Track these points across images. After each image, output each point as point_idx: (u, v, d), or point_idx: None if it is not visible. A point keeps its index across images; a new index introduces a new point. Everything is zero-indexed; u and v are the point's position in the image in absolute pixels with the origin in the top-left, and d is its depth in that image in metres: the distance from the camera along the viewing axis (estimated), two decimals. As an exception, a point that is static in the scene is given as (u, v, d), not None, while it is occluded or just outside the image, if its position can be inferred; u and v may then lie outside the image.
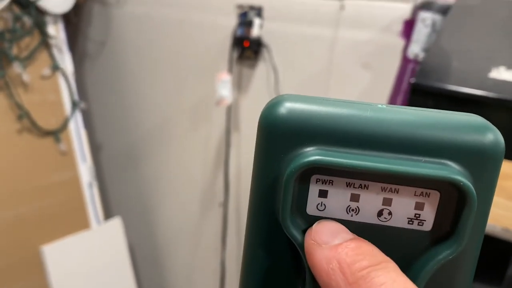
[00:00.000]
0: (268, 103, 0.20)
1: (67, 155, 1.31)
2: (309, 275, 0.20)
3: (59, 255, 1.25)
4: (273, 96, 1.19)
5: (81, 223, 1.32)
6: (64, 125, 1.30)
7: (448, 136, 0.19)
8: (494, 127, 0.19)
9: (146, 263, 1.62)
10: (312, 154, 0.19)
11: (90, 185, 1.35)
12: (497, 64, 0.76)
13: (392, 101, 0.94)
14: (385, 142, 0.19)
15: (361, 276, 0.17)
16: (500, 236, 0.70)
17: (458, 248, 0.19)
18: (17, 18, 1.18)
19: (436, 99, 0.77)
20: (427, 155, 0.19)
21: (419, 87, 0.76)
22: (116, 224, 1.37)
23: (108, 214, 1.52)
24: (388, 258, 0.18)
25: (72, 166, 1.31)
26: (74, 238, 1.28)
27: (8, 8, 1.16)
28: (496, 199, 0.73)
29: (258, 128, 0.20)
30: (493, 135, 0.19)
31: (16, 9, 1.18)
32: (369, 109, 0.19)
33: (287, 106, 0.19)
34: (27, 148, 1.23)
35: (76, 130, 1.33)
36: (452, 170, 0.18)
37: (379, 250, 0.18)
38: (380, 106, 0.20)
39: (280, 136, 0.19)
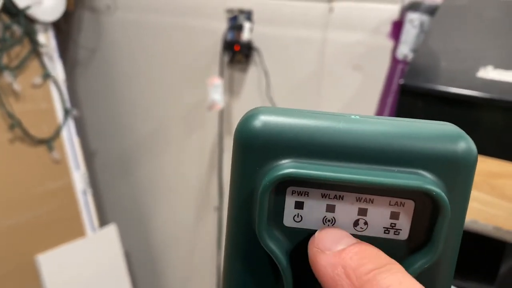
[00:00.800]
0: (243, 116, 0.21)
1: (61, 163, 1.30)
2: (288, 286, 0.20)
3: (55, 264, 1.25)
4: (265, 99, 1.20)
5: (76, 231, 1.32)
6: (57, 133, 1.29)
7: (421, 146, 0.19)
8: (467, 136, 0.20)
9: (142, 269, 1.62)
10: (287, 166, 0.19)
11: (84, 193, 1.35)
12: (484, 63, 0.76)
13: (383, 102, 0.94)
14: (359, 153, 0.19)
15: (367, 280, 0.17)
16: (492, 234, 0.71)
17: (434, 257, 0.19)
18: (6, 27, 1.18)
19: (425, 99, 0.77)
20: (400, 165, 0.19)
21: (408, 88, 0.77)
22: (111, 231, 1.37)
23: (103, 221, 1.52)
24: (393, 260, 0.18)
25: (65, 174, 1.31)
26: (69, 246, 1.27)
27: (-3, 17, 1.15)
28: (487, 197, 0.73)
29: (233, 142, 0.20)
30: (465, 144, 0.19)
31: (5, 18, 1.18)
32: (342, 121, 0.19)
33: (262, 119, 0.20)
34: (20, 157, 1.22)
35: (69, 137, 1.33)
36: (425, 180, 0.18)
37: (383, 253, 0.18)
38: (353, 117, 0.20)
39: (254, 149, 0.19)
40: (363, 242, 0.19)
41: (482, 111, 0.73)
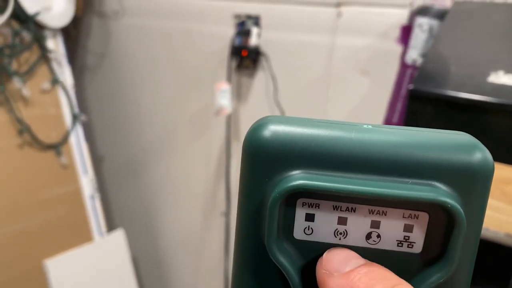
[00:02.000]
0: (252, 125, 0.20)
1: (69, 168, 1.31)
2: None
3: (62, 269, 1.25)
4: (273, 104, 1.19)
5: (83, 236, 1.32)
6: (65, 139, 1.30)
7: (435, 157, 0.18)
8: (483, 146, 0.19)
9: (150, 274, 1.61)
10: (297, 178, 0.18)
11: (92, 198, 1.35)
12: (495, 68, 0.75)
13: (392, 107, 0.93)
14: (371, 164, 0.18)
15: None
16: (504, 242, 0.69)
17: (449, 271, 0.18)
18: (16, 33, 1.18)
19: (435, 104, 0.76)
20: (414, 176, 0.18)
21: (417, 93, 0.76)
22: (119, 236, 1.37)
23: (110, 226, 1.52)
24: (402, 280, 0.17)
25: (73, 179, 1.32)
26: (77, 251, 1.28)
27: (7, 23, 1.16)
28: (499, 204, 0.72)
29: (242, 152, 0.20)
30: (481, 154, 0.19)
31: (15, 24, 1.19)
32: (354, 130, 0.19)
33: (271, 129, 0.19)
34: (29, 162, 1.23)
35: (77, 143, 1.33)
36: (440, 192, 0.18)
37: (392, 273, 0.18)
38: (365, 126, 0.19)
39: (264, 159, 0.19)
40: (372, 263, 0.18)
41: (493, 116, 0.72)
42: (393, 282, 0.17)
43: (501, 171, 0.70)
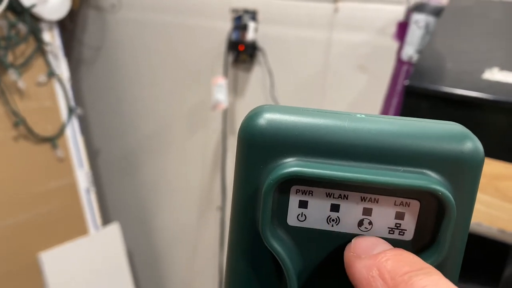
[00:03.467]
0: (247, 114, 0.20)
1: (64, 162, 1.31)
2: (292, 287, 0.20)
3: (57, 262, 1.25)
4: (269, 99, 1.20)
5: (79, 229, 1.32)
6: (61, 132, 1.30)
7: (427, 145, 0.19)
8: (474, 136, 0.19)
9: (145, 268, 1.62)
10: (291, 165, 0.19)
11: (88, 191, 1.35)
12: (490, 65, 0.76)
13: (387, 102, 0.94)
14: (364, 152, 0.19)
15: (402, 280, 0.16)
16: (496, 237, 0.70)
17: (439, 257, 0.19)
18: (12, 25, 1.18)
19: (430, 100, 0.77)
20: (406, 164, 0.19)
21: (413, 89, 0.76)
22: (114, 229, 1.37)
23: (106, 219, 1.52)
24: (429, 265, 0.17)
25: (69, 172, 1.31)
26: (72, 244, 1.28)
27: (2, 15, 1.16)
28: (492, 200, 0.73)
29: (237, 139, 0.20)
30: (472, 144, 0.19)
31: (11, 16, 1.18)
32: (347, 119, 0.19)
33: (266, 117, 0.19)
34: (24, 155, 1.23)
35: (73, 136, 1.33)
36: (431, 180, 0.18)
37: (419, 258, 0.18)
38: (358, 115, 0.20)
39: (259, 147, 0.19)
40: (399, 248, 0.19)
41: (487, 112, 0.72)
42: (420, 265, 0.17)
43: (494, 167, 0.71)
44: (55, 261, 1.24)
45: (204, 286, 1.53)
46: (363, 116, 0.20)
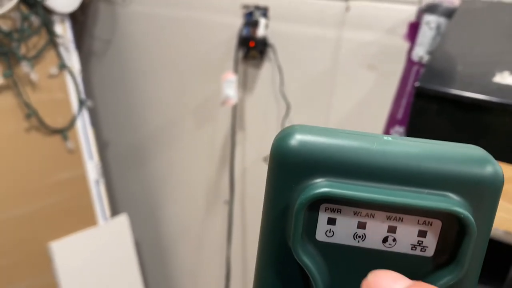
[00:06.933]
0: (279, 133, 0.22)
1: (75, 153, 1.32)
2: None
3: (67, 251, 1.27)
4: (278, 96, 1.20)
5: (88, 220, 1.34)
6: (72, 123, 1.31)
7: (450, 169, 0.20)
8: (494, 160, 0.20)
9: (152, 259, 1.64)
10: (322, 186, 0.20)
11: (97, 183, 1.37)
12: (501, 68, 0.76)
13: (397, 103, 0.94)
14: (390, 174, 0.20)
15: None
16: (502, 239, 0.71)
17: (459, 274, 0.20)
18: (24, 18, 1.19)
19: (440, 103, 0.77)
20: (429, 186, 0.20)
21: (423, 90, 0.77)
22: (122, 220, 1.39)
23: (114, 211, 1.54)
24: None
25: (79, 163, 1.33)
26: (82, 234, 1.30)
27: (16, 7, 1.17)
28: (499, 202, 0.74)
29: (270, 159, 0.21)
30: (492, 168, 0.20)
31: (24, 9, 1.19)
32: (375, 142, 0.20)
33: (298, 138, 0.21)
34: (35, 146, 1.24)
35: (83, 128, 1.35)
36: (452, 202, 0.19)
37: None
38: (385, 138, 0.21)
39: (290, 167, 0.20)
40: (420, 282, 0.19)
41: (497, 116, 0.73)
42: None
43: (503, 170, 0.72)
44: (65, 250, 1.26)
45: (211, 277, 1.55)
46: (389, 138, 0.21)
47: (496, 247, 0.71)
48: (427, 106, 0.79)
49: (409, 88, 0.92)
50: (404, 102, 0.92)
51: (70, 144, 1.30)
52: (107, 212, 1.38)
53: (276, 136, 0.22)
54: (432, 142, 0.21)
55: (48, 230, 1.25)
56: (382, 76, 1.06)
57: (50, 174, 1.27)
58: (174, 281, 1.64)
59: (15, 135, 1.20)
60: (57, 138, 1.28)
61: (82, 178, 1.34)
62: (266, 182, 0.21)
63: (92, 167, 1.36)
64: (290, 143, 0.21)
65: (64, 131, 1.29)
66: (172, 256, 1.62)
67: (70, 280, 1.26)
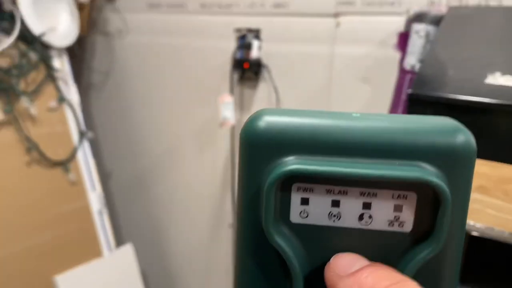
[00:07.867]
0: (248, 118, 0.21)
1: (77, 185, 1.32)
2: (297, 283, 0.20)
3: (72, 284, 1.26)
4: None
5: (93, 251, 1.33)
6: (73, 155, 1.32)
7: (421, 139, 0.20)
8: (466, 129, 0.20)
9: (159, 289, 1.62)
10: (291, 163, 0.20)
11: (100, 213, 1.36)
12: (492, 70, 0.76)
13: (393, 112, 0.94)
14: (360, 148, 0.20)
15: None
16: (508, 241, 0.70)
17: (438, 247, 0.19)
18: (23, 54, 1.21)
19: (435, 108, 0.77)
20: (401, 158, 0.20)
21: (417, 97, 0.77)
22: (127, 250, 1.38)
23: (119, 241, 1.53)
24: (406, 278, 0.18)
25: (82, 195, 1.33)
26: (87, 266, 1.28)
27: (14, 44, 1.19)
28: (502, 204, 0.73)
29: (239, 142, 0.21)
30: (464, 136, 0.20)
31: (22, 45, 1.22)
32: (343, 118, 0.20)
33: (265, 119, 0.20)
34: (37, 179, 1.25)
35: (85, 159, 1.35)
36: (425, 171, 0.19)
37: (396, 271, 0.19)
38: (354, 114, 0.21)
39: (259, 148, 0.20)
40: (376, 263, 0.20)
41: (492, 117, 0.73)
42: (398, 278, 0.18)
43: (502, 170, 0.71)
44: (70, 283, 1.25)
45: (219, 304, 1.52)
46: (358, 115, 0.21)
47: (503, 249, 0.69)
48: (422, 112, 0.79)
49: (403, 97, 0.92)
50: (400, 110, 0.92)
51: (72, 176, 1.31)
52: (112, 242, 1.37)
53: (246, 120, 0.22)
54: (403, 115, 0.21)
55: (53, 263, 1.24)
56: (376, 87, 1.06)
57: (53, 206, 1.27)
58: (183, 311, 1.61)
59: (16, 169, 1.21)
60: (58, 171, 1.29)
61: (85, 210, 1.33)
62: (238, 166, 0.21)
63: (95, 198, 1.35)
64: (258, 125, 0.20)
65: (66, 163, 1.30)
66: (179, 283, 1.59)
67: (76, 314, 1.24)
